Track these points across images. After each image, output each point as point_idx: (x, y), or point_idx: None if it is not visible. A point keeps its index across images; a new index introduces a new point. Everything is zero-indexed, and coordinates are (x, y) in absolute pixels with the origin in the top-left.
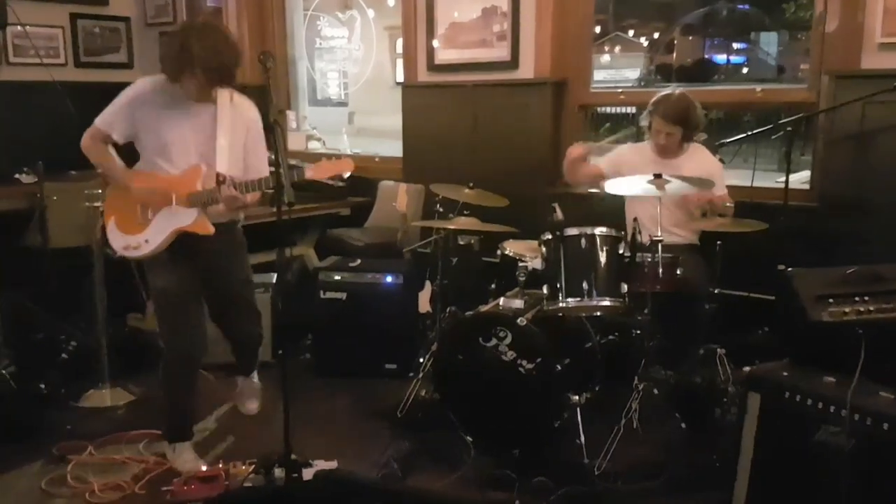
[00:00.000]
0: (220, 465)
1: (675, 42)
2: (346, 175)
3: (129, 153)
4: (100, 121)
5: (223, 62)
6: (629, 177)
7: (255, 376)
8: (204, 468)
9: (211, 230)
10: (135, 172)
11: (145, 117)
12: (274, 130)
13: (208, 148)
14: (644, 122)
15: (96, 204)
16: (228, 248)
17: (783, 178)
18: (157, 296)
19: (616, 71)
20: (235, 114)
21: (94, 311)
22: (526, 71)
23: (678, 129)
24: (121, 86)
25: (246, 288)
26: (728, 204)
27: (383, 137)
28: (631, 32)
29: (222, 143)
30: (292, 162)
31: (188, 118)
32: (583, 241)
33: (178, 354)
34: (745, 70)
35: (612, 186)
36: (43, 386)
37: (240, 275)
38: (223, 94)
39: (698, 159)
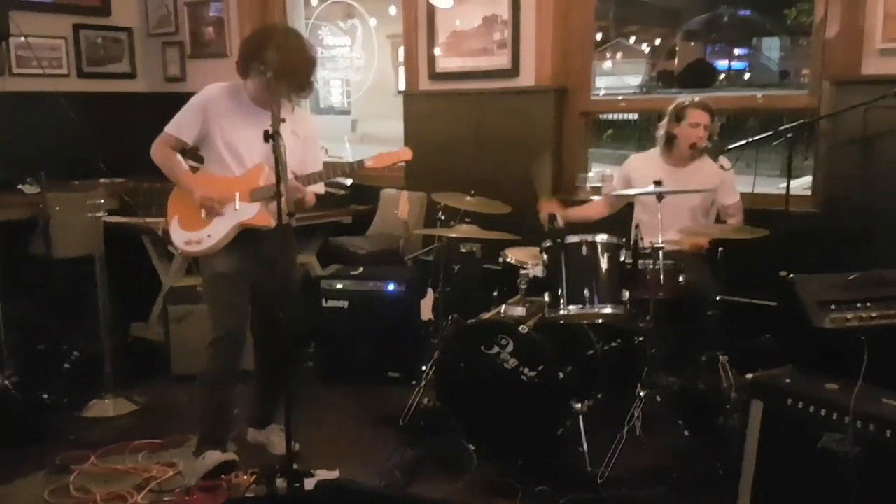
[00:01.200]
0: (222, 476)
1: (677, 48)
2: (407, 160)
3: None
4: (170, 127)
5: (296, 71)
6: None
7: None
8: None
9: (272, 223)
10: (199, 178)
11: (215, 119)
12: (275, 140)
13: (271, 150)
14: (663, 130)
15: (98, 214)
16: (281, 247)
17: (785, 184)
18: (212, 279)
19: (618, 77)
20: (296, 122)
21: (98, 321)
22: (527, 78)
23: (710, 122)
24: (124, 96)
25: (291, 286)
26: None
27: (386, 145)
28: (632, 39)
29: (295, 158)
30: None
31: (254, 122)
32: (584, 248)
33: (229, 332)
34: (747, 76)
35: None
36: (46, 395)
37: (289, 273)
38: (286, 106)
39: (707, 170)
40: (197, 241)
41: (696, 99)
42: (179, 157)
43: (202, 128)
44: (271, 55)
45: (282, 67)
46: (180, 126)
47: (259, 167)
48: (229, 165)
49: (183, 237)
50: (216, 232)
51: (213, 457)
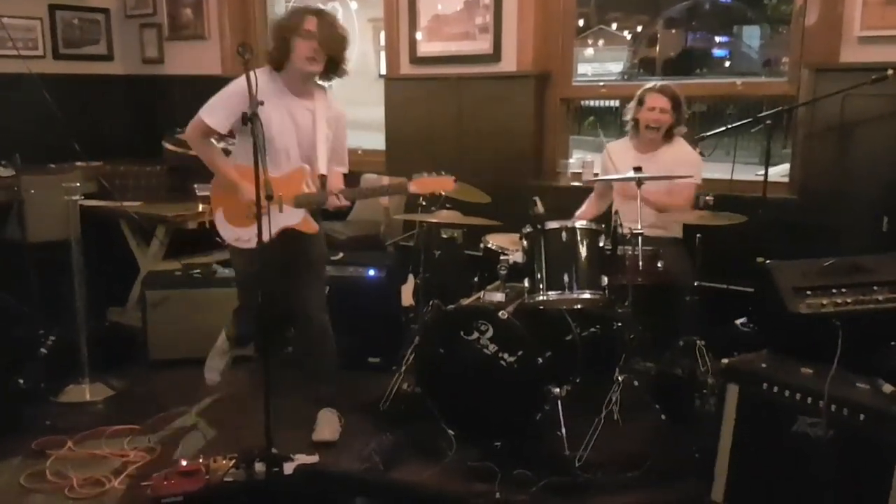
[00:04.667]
0: (201, 460)
1: (659, 35)
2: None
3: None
4: (204, 113)
5: (334, 39)
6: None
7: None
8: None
9: (316, 228)
10: (241, 173)
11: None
12: (253, 122)
13: (310, 148)
14: (629, 115)
15: (75, 197)
16: (318, 250)
17: (764, 171)
18: (239, 271)
19: (599, 64)
20: (329, 111)
21: (74, 305)
22: (508, 64)
23: (670, 106)
24: (101, 78)
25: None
26: (708, 198)
27: (367, 130)
28: (614, 26)
29: (321, 144)
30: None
31: (291, 117)
32: (563, 234)
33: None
34: (727, 63)
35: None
36: (22, 381)
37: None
38: (320, 95)
39: (678, 151)
40: (246, 240)
41: (656, 85)
42: (215, 143)
43: (236, 117)
44: (308, 22)
45: (323, 35)
46: (217, 115)
47: (300, 170)
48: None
49: (233, 234)
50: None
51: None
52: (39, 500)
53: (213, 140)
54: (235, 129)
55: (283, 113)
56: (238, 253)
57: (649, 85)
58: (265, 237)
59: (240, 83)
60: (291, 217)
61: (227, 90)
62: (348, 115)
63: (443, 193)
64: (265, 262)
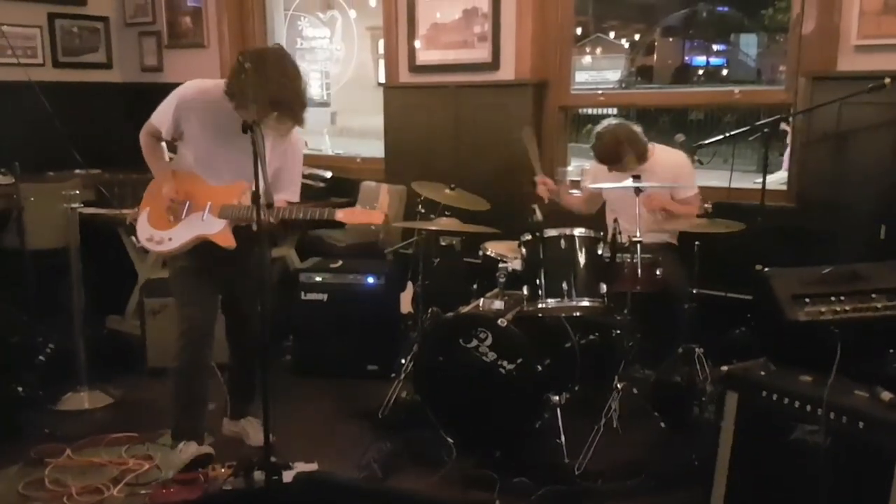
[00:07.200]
0: (199, 469)
1: (656, 44)
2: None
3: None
4: (154, 117)
5: (280, 97)
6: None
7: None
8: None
9: (232, 244)
10: (177, 176)
11: (190, 124)
12: (254, 131)
13: (252, 170)
14: None
15: (74, 205)
16: (249, 254)
17: (761, 179)
18: (176, 273)
19: (597, 72)
20: (282, 138)
21: (73, 313)
22: (507, 72)
23: (616, 164)
24: (100, 86)
25: (262, 281)
26: (707, 205)
27: (366, 138)
28: (612, 34)
29: (268, 168)
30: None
31: (236, 138)
32: (562, 241)
33: (193, 326)
34: (724, 72)
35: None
36: (20, 389)
37: (259, 268)
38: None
39: (664, 161)
40: (158, 241)
41: (596, 147)
42: (164, 147)
43: (177, 126)
44: (253, 81)
45: (264, 95)
46: (159, 118)
47: (241, 184)
48: (202, 174)
49: (147, 233)
50: (178, 237)
51: (189, 450)
52: None
53: (161, 144)
54: (177, 138)
55: (229, 135)
56: (172, 258)
57: (596, 137)
58: (181, 243)
59: (175, 96)
60: (211, 227)
61: (169, 97)
62: (348, 122)
63: (372, 226)
64: (202, 260)
